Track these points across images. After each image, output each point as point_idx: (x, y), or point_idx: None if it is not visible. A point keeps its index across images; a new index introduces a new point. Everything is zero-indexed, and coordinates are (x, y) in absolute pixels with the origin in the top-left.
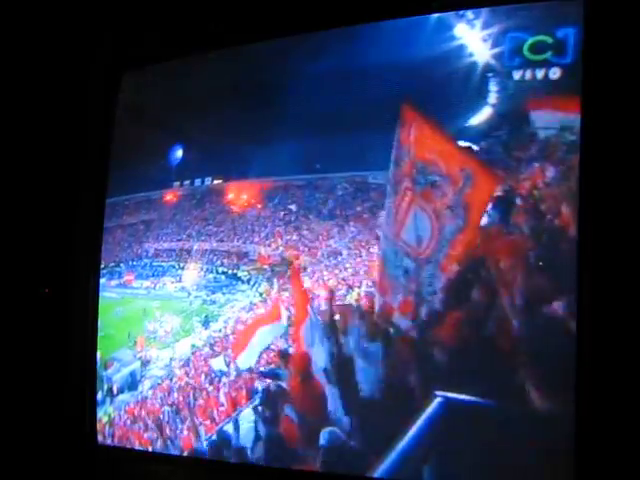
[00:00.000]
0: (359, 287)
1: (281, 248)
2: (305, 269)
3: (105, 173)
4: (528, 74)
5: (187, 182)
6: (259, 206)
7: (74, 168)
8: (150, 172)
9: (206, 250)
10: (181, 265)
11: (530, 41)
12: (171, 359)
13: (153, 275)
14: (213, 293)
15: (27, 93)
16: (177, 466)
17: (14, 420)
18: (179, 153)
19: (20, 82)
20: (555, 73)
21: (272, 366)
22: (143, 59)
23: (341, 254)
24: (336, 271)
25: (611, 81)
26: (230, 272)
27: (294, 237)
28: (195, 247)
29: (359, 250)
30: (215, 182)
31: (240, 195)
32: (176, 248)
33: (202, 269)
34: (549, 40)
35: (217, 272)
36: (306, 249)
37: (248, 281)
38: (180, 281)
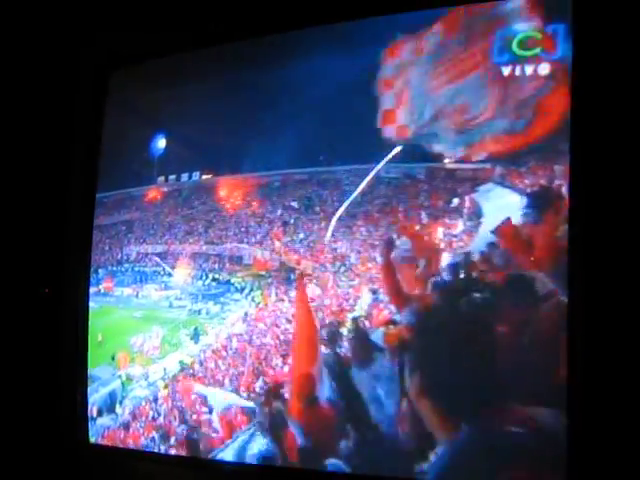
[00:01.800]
0: (370, 296)
1: (280, 251)
2: (308, 275)
3: (95, 173)
4: (517, 70)
5: (172, 177)
6: (254, 204)
7: (64, 166)
8: (131, 166)
9: (195, 253)
10: (167, 270)
11: (519, 37)
12: (156, 378)
13: (135, 282)
14: (203, 302)
15: (16, 92)
16: (171, 466)
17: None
18: (162, 144)
19: (9, 82)
20: (545, 69)
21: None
22: (131, 57)
23: (349, 258)
24: (343, 278)
25: (601, 76)
26: (222, 278)
27: (295, 239)
28: (182, 250)
29: (370, 254)
30: (204, 177)
31: (233, 191)
32: (161, 251)
33: (190, 275)
34: (538, 36)
35: (207, 278)
36: (308, 253)
37: (243, 289)
38: (166, 288)
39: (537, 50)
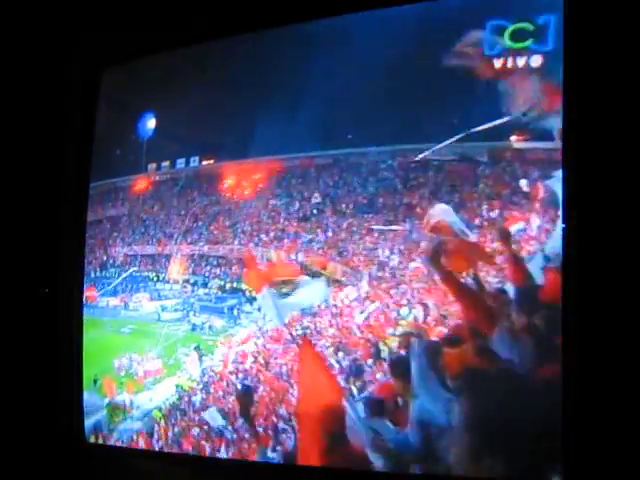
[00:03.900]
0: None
1: (299, 253)
2: (338, 283)
3: (88, 171)
4: (509, 62)
5: (165, 164)
6: (267, 194)
7: (56, 162)
8: (117, 151)
9: (194, 255)
10: (160, 276)
11: (511, 28)
12: (150, 407)
13: (123, 290)
14: (206, 315)
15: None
16: (169, 464)
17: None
18: (152, 124)
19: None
20: (536, 61)
21: None
22: (126, 53)
23: (389, 261)
24: (383, 284)
25: (593, 68)
26: (229, 286)
27: (318, 237)
28: (179, 251)
29: (414, 255)
30: (205, 163)
31: (240, 180)
32: (153, 253)
33: (189, 281)
34: (530, 27)
35: (210, 286)
36: (336, 254)
37: (255, 299)
38: (159, 298)
39: (529, 42)
